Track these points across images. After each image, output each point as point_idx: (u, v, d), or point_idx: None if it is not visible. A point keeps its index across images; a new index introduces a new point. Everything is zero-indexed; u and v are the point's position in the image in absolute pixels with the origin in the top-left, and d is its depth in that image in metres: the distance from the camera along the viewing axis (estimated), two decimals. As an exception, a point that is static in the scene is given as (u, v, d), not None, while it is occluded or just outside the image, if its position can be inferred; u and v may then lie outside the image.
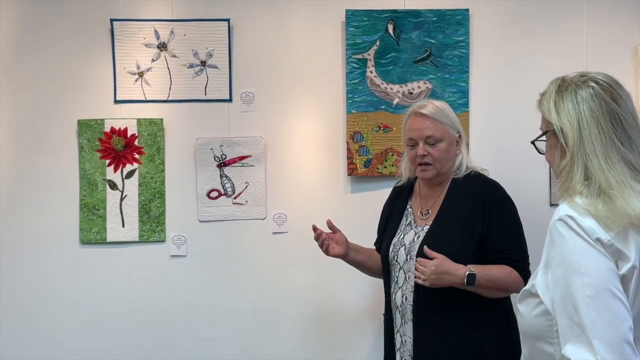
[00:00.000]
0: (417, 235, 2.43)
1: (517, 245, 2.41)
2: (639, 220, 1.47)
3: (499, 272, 2.33)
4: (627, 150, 1.52)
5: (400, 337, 2.43)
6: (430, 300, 2.34)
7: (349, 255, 2.58)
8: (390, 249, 2.48)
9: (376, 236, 2.70)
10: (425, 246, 2.32)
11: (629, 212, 1.47)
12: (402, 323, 2.42)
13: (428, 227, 2.42)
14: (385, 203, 2.70)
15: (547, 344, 1.56)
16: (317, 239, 2.55)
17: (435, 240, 2.36)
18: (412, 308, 2.38)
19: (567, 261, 1.48)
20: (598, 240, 1.46)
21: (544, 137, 1.67)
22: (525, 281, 2.36)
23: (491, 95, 3.06)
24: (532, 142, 1.73)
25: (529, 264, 2.42)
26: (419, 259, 2.32)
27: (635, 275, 1.48)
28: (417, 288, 2.36)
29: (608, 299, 1.43)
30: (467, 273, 2.26)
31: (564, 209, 1.52)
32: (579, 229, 1.47)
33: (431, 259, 2.29)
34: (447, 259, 2.28)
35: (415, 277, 2.32)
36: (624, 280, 1.47)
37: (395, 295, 2.45)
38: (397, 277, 2.46)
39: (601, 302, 1.43)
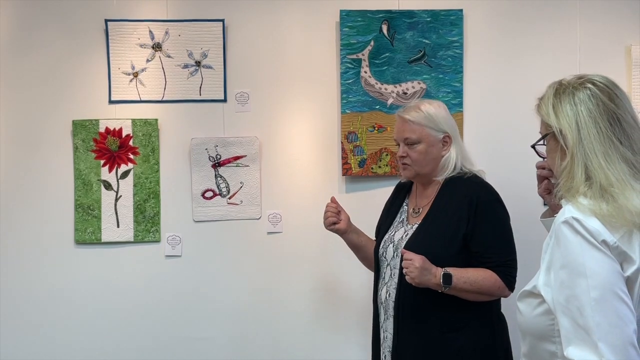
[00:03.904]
0: (405, 233, 2.45)
1: (500, 249, 2.38)
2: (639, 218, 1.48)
3: (476, 275, 2.31)
4: (626, 149, 1.53)
5: (383, 332, 2.47)
6: (411, 298, 2.35)
7: (349, 233, 2.60)
8: (381, 245, 2.51)
9: (373, 236, 2.71)
10: (402, 248, 2.34)
11: (630, 210, 1.47)
12: (384, 319, 2.45)
13: (417, 225, 2.44)
14: (387, 201, 2.71)
15: (549, 343, 1.56)
16: (330, 209, 2.57)
17: (419, 239, 2.37)
18: (393, 305, 2.40)
19: (572, 263, 1.48)
20: (604, 242, 1.46)
21: (543, 141, 1.68)
22: (508, 285, 2.35)
23: (485, 95, 3.07)
24: (533, 146, 1.74)
25: (514, 267, 2.39)
26: (404, 251, 2.30)
27: (639, 277, 1.48)
28: (400, 285, 2.37)
29: (614, 302, 1.43)
30: (443, 273, 2.26)
31: (569, 211, 1.51)
32: (585, 231, 1.47)
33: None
34: (425, 259, 2.27)
35: (404, 271, 2.28)
36: (629, 282, 1.47)
37: (380, 291, 2.48)
38: (384, 274, 2.48)
39: (607, 304, 1.43)
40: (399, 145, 2.52)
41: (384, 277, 2.47)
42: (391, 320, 2.41)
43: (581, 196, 1.53)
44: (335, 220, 2.57)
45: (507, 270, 2.37)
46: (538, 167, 1.91)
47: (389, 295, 2.43)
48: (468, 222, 2.35)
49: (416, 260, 2.24)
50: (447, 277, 2.25)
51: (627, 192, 1.49)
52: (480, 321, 2.39)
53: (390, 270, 2.44)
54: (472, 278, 2.30)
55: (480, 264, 2.35)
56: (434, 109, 2.48)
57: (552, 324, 1.54)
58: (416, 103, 2.53)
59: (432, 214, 2.42)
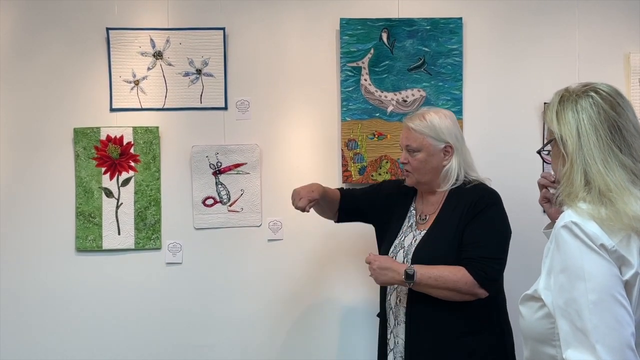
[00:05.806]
0: (414, 239, 2.47)
1: (481, 245, 2.35)
2: (638, 223, 1.50)
3: (443, 270, 2.32)
4: (625, 156, 1.55)
5: (394, 337, 2.46)
6: (424, 303, 2.36)
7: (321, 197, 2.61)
8: (391, 250, 2.51)
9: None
10: (370, 253, 2.47)
11: (628, 214, 1.49)
12: (395, 324, 2.46)
13: (425, 232, 2.46)
14: (388, 183, 2.77)
15: (549, 347, 1.58)
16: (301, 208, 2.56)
17: (427, 245, 2.41)
18: (405, 310, 2.41)
19: (570, 267, 1.50)
20: (602, 246, 1.48)
21: (548, 147, 1.71)
22: (479, 282, 2.30)
23: (485, 102, 3.09)
24: (538, 152, 1.77)
25: (491, 267, 2.33)
26: (371, 253, 2.46)
27: (638, 281, 1.50)
28: (412, 291, 2.38)
29: (611, 305, 1.45)
30: (405, 270, 2.31)
31: (568, 215, 1.54)
32: (583, 235, 1.49)
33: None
34: (390, 258, 2.43)
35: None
36: (628, 286, 1.49)
37: (390, 296, 2.49)
38: None
39: (604, 307, 1.45)
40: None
41: None
42: (403, 325, 2.42)
43: (580, 201, 1.55)
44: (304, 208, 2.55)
45: (481, 267, 2.32)
46: (542, 176, 1.94)
47: (400, 301, 2.44)
48: (465, 222, 2.39)
49: (375, 262, 2.38)
50: (409, 275, 2.31)
51: (625, 197, 1.51)
52: (491, 323, 2.42)
53: None
54: (438, 273, 2.31)
55: (461, 258, 2.35)
56: (438, 118, 2.49)
57: (553, 328, 1.55)
58: (423, 111, 2.54)
59: (439, 221, 2.45)
